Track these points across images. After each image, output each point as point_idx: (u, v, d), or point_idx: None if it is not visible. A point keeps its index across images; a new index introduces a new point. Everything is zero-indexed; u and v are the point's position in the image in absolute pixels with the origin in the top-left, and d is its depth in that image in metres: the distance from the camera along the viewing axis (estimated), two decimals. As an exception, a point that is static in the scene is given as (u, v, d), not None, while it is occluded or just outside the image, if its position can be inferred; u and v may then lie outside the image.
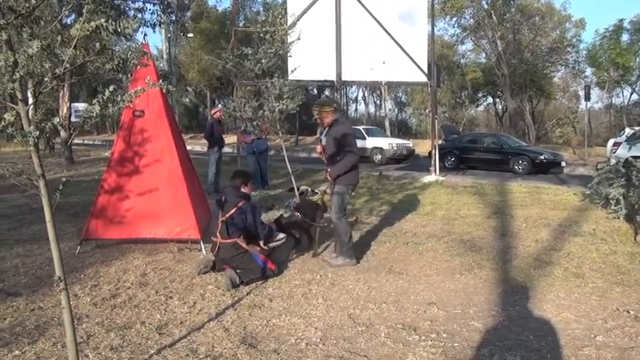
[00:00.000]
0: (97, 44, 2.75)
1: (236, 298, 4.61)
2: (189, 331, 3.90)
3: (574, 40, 32.63)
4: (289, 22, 11.16)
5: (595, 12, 62.63)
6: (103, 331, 3.91)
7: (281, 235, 5.58)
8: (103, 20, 2.75)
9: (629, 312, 4.08)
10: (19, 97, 2.73)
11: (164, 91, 6.95)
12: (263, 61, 8.51)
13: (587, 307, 4.19)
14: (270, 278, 5.13)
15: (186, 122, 49.65)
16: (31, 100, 3.45)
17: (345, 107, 42.45)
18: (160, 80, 7.58)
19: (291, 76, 10.88)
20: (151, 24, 15.15)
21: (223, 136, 11.77)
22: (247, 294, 4.72)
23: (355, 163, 5.65)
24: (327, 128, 5.99)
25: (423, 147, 25.26)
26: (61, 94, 17.72)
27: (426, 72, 12.08)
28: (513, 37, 31.19)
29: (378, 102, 49.24)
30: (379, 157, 21.40)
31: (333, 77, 11.50)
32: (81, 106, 25.38)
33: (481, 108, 48.09)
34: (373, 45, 11.58)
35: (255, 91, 9.85)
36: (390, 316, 4.05)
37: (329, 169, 5.76)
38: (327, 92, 46.77)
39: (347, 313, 4.13)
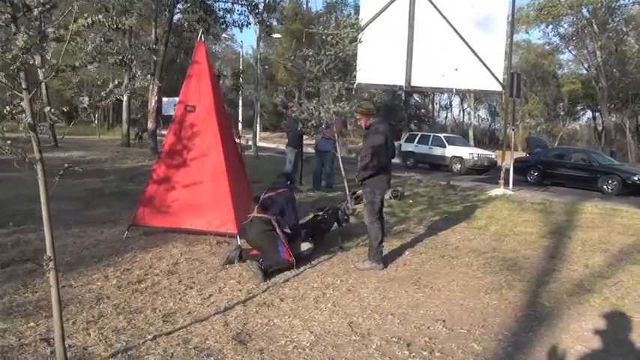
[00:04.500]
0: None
1: (250, 295, 4.67)
2: (192, 321, 4.00)
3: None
4: (362, 24, 11.14)
5: None
6: (115, 313, 4.10)
7: (307, 246, 5.65)
8: (101, 16, 2.88)
9: (660, 353, 3.67)
10: (24, 86, 2.94)
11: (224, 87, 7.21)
12: (324, 62, 8.58)
13: (610, 342, 3.82)
14: (289, 270, 5.30)
15: (274, 121, 50.78)
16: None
17: (431, 114, 41.60)
18: (217, 78, 7.88)
19: (358, 79, 10.87)
20: (239, 24, 15.70)
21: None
22: (263, 291, 4.77)
23: (382, 168, 5.53)
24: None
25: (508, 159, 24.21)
26: (150, 87, 18.81)
27: (502, 81, 11.56)
28: (616, 47, 28.99)
29: (470, 110, 47.85)
30: (458, 166, 20.81)
31: (401, 82, 11.31)
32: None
33: (583, 122, 45.34)
34: (446, 51, 11.25)
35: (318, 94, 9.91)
36: (390, 329, 3.92)
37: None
38: (417, 97, 46.15)
39: (349, 321, 4.05)
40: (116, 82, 3.11)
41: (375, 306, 4.41)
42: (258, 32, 21.99)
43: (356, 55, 9.20)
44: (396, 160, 24.56)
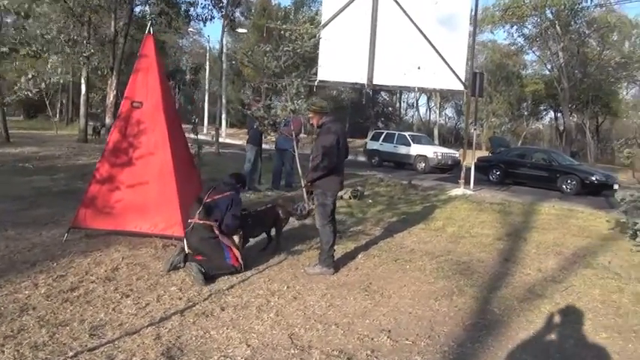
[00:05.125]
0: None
1: (190, 303, 4.41)
2: (122, 334, 3.71)
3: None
4: (323, 21, 10.94)
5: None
6: (38, 326, 3.78)
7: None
8: (5, 2, 2.59)
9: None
10: None
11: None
12: (283, 58, 8.32)
13: (557, 352, 3.70)
14: (236, 275, 5.09)
15: (241, 118, 50.15)
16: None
17: (399, 112, 41.74)
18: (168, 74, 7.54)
19: (319, 77, 10.67)
20: (202, 18, 15.32)
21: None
22: (204, 299, 4.51)
23: (334, 169, 5.30)
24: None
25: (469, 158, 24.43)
26: (109, 81, 18.23)
27: (464, 80, 11.51)
28: (577, 49, 29.48)
29: (436, 109, 48.09)
30: (423, 165, 20.90)
31: (363, 80, 11.14)
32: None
33: (546, 122, 46.18)
34: (409, 49, 11.11)
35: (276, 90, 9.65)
36: (332, 341, 3.72)
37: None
38: (384, 95, 46.19)
39: (290, 332, 3.83)
40: (29, 75, 2.83)
41: (319, 315, 4.21)
42: (223, 27, 21.57)
43: (316, 51, 8.98)
44: (361, 159, 24.56)
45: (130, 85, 6.45)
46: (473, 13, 12.30)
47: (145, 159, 6.27)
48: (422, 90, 11.38)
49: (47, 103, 28.55)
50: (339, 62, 10.62)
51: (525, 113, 38.29)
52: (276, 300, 4.54)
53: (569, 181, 15.96)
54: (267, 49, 8.10)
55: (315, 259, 5.60)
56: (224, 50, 25.94)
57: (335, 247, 5.65)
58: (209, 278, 4.94)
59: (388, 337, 3.78)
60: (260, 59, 8.22)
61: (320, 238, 5.48)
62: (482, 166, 18.60)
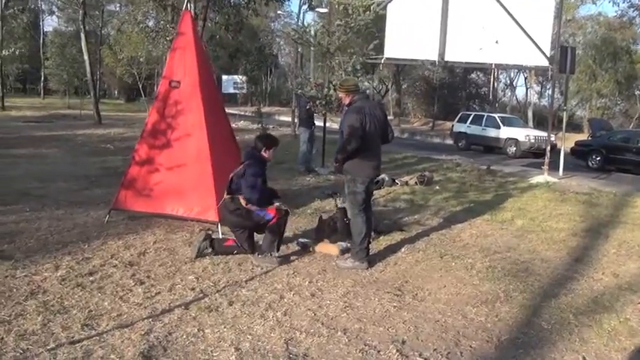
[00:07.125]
0: None
1: (201, 295, 4.13)
2: (114, 327, 3.49)
3: None
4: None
5: None
6: (36, 313, 3.65)
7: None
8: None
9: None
10: None
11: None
12: (336, 34, 7.84)
13: (609, 387, 2.98)
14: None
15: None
16: None
17: (494, 92, 39.26)
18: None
19: (386, 54, 10.04)
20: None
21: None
22: (217, 291, 4.22)
23: (363, 151, 4.72)
24: None
25: (570, 141, 22.41)
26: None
27: (549, 55, 10.31)
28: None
29: (540, 88, 44.55)
30: (513, 149, 19.56)
31: (434, 57, 10.30)
32: (238, 78, 26.35)
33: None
34: (485, 21, 10.09)
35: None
36: (331, 350, 3.23)
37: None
38: (480, 75, 43.77)
39: (289, 337, 3.39)
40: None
41: (330, 318, 3.72)
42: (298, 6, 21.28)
43: (374, 26, 8.38)
44: (449, 142, 23.40)
45: (168, 64, 6.28)
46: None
47: (182, 140, 6.10)
48: (499, 67, 10.27)
49: (140, 86, 30.01)
50: (408, 38, 9.87)
51: (637, 92, 34.46)
52: (291, 296, 4.12)
53: (684, 169, 14.06)
54: (319, 25, 7.68)
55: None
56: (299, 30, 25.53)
57: (371, 238, 5.13)
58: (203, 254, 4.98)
59: (398, 351, 3.22)
60: (308, 37, 7.78)
61: (351, 229, 4.98)
62: (581, 151, 17.07)
